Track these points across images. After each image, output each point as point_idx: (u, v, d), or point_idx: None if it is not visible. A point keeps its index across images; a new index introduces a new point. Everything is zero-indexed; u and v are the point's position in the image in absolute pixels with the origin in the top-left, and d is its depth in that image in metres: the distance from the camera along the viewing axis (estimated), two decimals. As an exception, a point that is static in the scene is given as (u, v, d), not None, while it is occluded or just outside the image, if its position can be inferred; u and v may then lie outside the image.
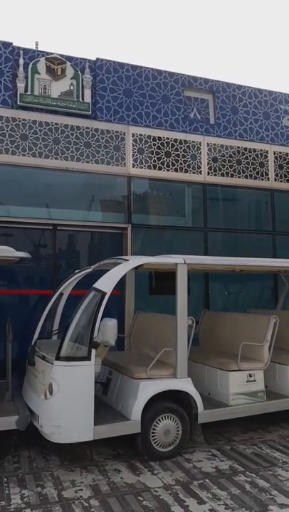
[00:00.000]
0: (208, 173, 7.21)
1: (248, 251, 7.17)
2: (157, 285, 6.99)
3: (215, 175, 7.24)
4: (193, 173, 7.13)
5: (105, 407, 4.52)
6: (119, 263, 4.59)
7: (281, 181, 7.66)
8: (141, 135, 6.87)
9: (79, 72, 6.79)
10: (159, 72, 7.15)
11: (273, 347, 5.19)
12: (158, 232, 7.09)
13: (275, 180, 7.61)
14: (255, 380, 4.98)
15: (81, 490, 3.68)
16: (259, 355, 5.11)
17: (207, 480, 3.89)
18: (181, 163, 7.05)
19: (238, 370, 4.91)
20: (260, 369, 5.04)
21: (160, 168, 6.93)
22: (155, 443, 4.28)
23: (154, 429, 4.27)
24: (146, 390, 4.28)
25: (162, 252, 5.26)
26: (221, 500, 3.52)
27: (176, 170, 7.01)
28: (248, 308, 7.08)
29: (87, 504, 3.45)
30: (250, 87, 7.61)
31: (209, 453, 4.52)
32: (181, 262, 4.69)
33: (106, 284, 4.19)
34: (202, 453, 4.51)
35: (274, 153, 7.62)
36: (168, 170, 6.97)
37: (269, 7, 23.57)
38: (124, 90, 6.92)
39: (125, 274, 4.79)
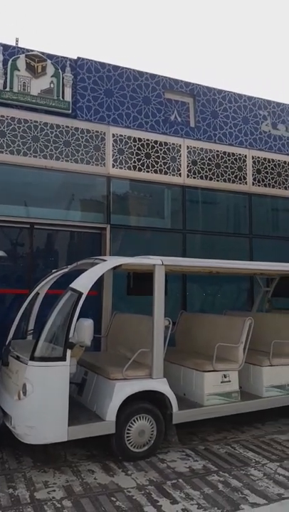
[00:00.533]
0: (188, 176, 7.27)
1: (226, 253, 7.26)
2: (135, 286, 6.98)
3: (194, 177, 7.31)
4: (173, 175, 7.18)
5: (80, 407, 4.49)
6: (96, 263, 4.58)
7: (259, 186, 7.78)
8: (121, 136, 6.88)
9: (60, 71, 6.74)
10: (141, 73, 7.17)
11: (248, 348, 5.28)
12: (137, 233, 7.11)
13: (253, 184, 7.73)
14: (229, 381, 5.04)
15: (54, 491, 3.65)
16: (234, 356, 5.18)
17: (180, 480, 3.91)
18: (161, 165, 7.09)
19: (213, 370, 4.96)
20: (234, 370, 5.11)
21: (140, 170, 6.95)
22: (129, 443, 4.28)
23: (128, 429, 4.27)
24: (122, 390, 4.27)
25: (141, 253, 5.27)
26: (194, 499, 3.55)
27: (155, 171, 7.04)
28: (224, 310, 7.17)
29: (59, 505, 3.42)
30: (230, 92, 7.70)
31: (183, 453, 4.55)
32: (158, 263, 4.71)
33: (83, 284, 4.17)
34: (176, 453, 4.53)
35: (252, 157, 7.74)
36: (148, 171, 6.99)
37: (250, 14, 23.96)
38: (105, 90, 6.91)
39: (103, 275, 4.78)
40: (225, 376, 5.02)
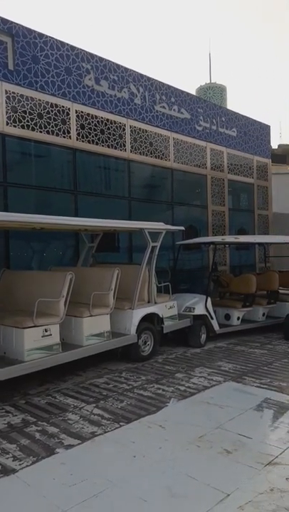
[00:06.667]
0: (7, 124, 6.73)
1: (51, 209, 7.12)
2: None
3: (15, 126, 6.81)
4: (-10, 121, 6.55)
5: None
6: None
7: (83, 141, 7.75)
8: None
9: None
10: None
11: (72, 301, 5.41)
12: None
13: (77, 139, 7.66)
14: (50, 335, 5.12)
15: None
16: (55, 310, 5.26)
17: (-3, 437, 3.87)
18: (-25, 109, 6.37)
19: (34, 326, 4.95)
20: (55, 323, 5.20)
21: None
22: None
23: None
24: None
25: None
26: (10, 453, 3.57)
27: None
28: (49, 266, 7.15)
29: None
30: (52, 38, 7.25)
31: (3, 410, 4.50)
32: None
33: None
34: (-5, 412, 4.46)
35: (76, 111, 7.60)
36: None
37: None
38: None
39: None
40: (46, 330, 5.07)
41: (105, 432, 3.95)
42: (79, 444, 3.74)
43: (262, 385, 5.28)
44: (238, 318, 8.28)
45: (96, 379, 5.57)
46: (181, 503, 2.91)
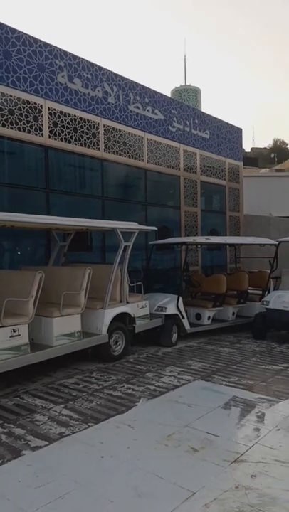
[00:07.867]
0: (-23, 120, 6.58)
1: (25, 207, 6.99)
2: None
3: (-15, 122, 6.67)
4: None
5: None
6: None
7: (55, 139, 7.65)
8: None
9: None
10: None
11: (43, 301, 5.34)
12: None
13: (49, 137, 7.56)
14: (19, 335, 5.04)
15: None
16: (24, 310, 5.18)
17: None
18: None
19: (2, 326, 4.86)
20: (24, 323, 5.12)
21: None
22: None
23: None
24: None
25: None
26: (-26, 456, 3.49)
27: None
28: (20, 265, 7.03)
29: None
30: (24, 33, 7.13)
31: None
32: None
33: None
34: None
35: (48, 108, 7.50)
36: None
37: None
38: None
39: None
40: (14, 330, 4.99)
41: (73, 433, 3.92)
42: (46, 445, 3.70)
43: (230, 384, 5.37)
44: (209, 318, 8.38)
45: (66, 379, 5.51)
46: (147, 502, 2.92)
